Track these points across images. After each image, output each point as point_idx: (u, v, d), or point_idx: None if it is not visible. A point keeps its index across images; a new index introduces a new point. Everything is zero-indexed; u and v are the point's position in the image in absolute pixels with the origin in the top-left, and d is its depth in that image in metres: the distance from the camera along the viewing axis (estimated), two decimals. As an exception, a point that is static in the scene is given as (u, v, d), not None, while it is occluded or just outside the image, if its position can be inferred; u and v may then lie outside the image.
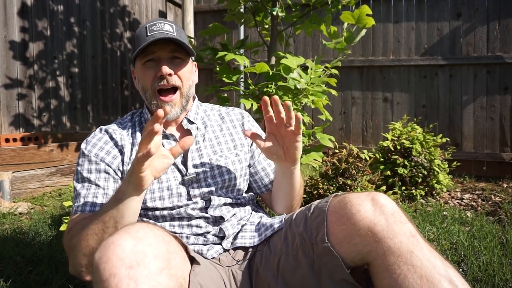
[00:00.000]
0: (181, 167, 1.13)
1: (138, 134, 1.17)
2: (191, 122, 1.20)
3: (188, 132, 1.19)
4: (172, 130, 1.20)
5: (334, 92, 2.50)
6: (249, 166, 1.26)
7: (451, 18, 3.84)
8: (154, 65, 1.11)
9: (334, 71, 2.45)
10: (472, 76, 3.81)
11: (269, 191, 1.29)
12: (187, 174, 1.12)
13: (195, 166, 1.14)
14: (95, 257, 0.73)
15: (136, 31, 1.17)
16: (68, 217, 1.86)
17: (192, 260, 0.87)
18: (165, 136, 1.16)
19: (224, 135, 1.23)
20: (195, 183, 1.12)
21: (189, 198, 1.11)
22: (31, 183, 3.00)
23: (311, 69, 2.28)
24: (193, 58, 1.21)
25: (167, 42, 1.10)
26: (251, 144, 1.26)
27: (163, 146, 1.15)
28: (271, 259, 1.02)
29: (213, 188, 1.13)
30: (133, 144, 1.15)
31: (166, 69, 1.09)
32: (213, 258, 1.06)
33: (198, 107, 1.26)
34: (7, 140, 2.83)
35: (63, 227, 1.82)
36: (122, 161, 1.12)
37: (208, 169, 1.14)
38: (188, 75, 1.16)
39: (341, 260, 0.89)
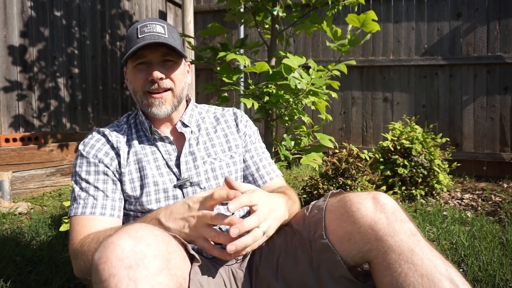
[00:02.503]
0: (175, 170, 1.12)
1: (134, 136, 1.17)
2: (185, 126, 1.19)
3: (181, 135, 1.19)
4: (167, 132, 1.19)
5: (334, 94, 2.50)
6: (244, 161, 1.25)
7: (451, 18, 3.84)
8: (145, 68, 1.10)
9: (336, 72, 2.44)
10: (472, 76, 3.80)
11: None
12: (181, 177, 1.12)
13: (189, 169, 1.13)
14: (94, 257, 0.73)
15: (127, 33, 1.15)
16: (67, 217, 1.86)
17: (192, 259, 0.87)
18: (161, 139, 1.16)
19: (219, 137, 1.22)
20: (189, 186, 1.12)
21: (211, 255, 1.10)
22: (31, 183, 3.00)
23: (313, 69, 2.28)
24: (186, 59, 1.20)
25: (158, 45, 1.08)
26: (246, 144, 1.26)
27: (158, 149, 1.15)
28: (271, 257, 1.02)
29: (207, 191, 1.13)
30: (129, 146, 1.14)
31: (157, 74, 1.08)
32: (212, 257, 1.06)
33: (193, 110, 1.25)
34: (7, 140, 2.83)
35: (63, 227, 1.82)
36: (119, 163, 1.12)
37: (202, 173, 1.13)
38: (180, 77, 1.15)
39: (340, 257, 0.89)
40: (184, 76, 1.17)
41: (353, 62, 2.54)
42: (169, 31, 1.12)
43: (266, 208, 0.90)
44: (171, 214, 0.91)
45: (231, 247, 0.82)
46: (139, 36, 1.08)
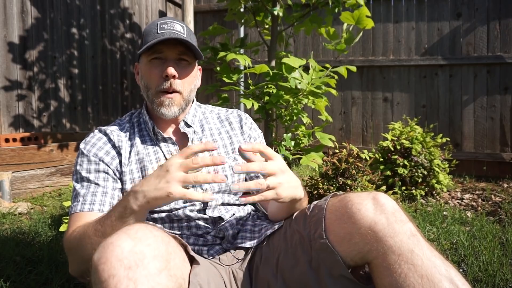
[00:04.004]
0: None
1: (136, 136, 1.17)
2: (188, 126, 1.19)
3: (185, 135, 1.18)
4: (170, 132, 1.19)
5: (334, 92, 2.50)
6: None
7: (451, 18, 3.84)
8: (160, 64, 1.10)
9: (340, 70, 2.44)
10: (472, 76, 3.80)
11: None
12: None
13: (191, 170, 1.13)
14: (93, 258, 0.73)
15: (145, 27, 1.16)
16: (68, 217, 1.86)
17: (192, 260, 0.86)
18: (164, 139, 1.16)
19: (223, 138, 1.22)
20: (191, 187, 1.11)
21: (186, 200, 1.11)
22: (31, 183, 2.99)
23: (314, 68, 2.28)
24: (201, 59, 1.20)
25: (176, 43, 1.09)
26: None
27: (161, 149, 1.15)
28: (271, 257, 1.02)
29: (209, 192, 1.13)
30: (131, 145, 1.14)
31: (172, 71, 1.08)
32: (213, 257, 1.06)
33: (197, 110, 1.25)
34: (7, 140, 2.83)
35: (63, 227, 1.82)
36: (120, 162, 1.12)
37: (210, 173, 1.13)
38: (191, 79, 1.15)
39: (340, 258, 0.89)
40: (195, 79, 1.18)
41: (354, 69, 2.50)
42: (188, 32, 1.13)
43: (277, 166, 0.88)
44: (144, 179, 0.89)
45: (234, 186, 0.81)
46: (159, 32, 1.09)
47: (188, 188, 1.09)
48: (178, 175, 0.84)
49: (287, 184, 0.90)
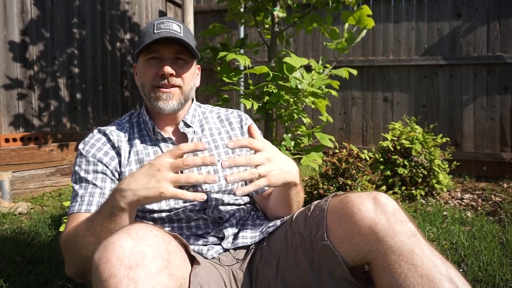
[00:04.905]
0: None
1: (136, 136, 1.16)
2: (187, 126, 1.19)
3: (184, 136, 1.18)
4: (169, 132, 1.19)
5: (334, 93, 2.50)
6: None
7: (451, 18, 3.84)
8: (156, 63, 1.11)
9: (341, 72, 2.43)
10: (472, 76, 3.80)
11: (263, 191, 1.24)
12: None
13: (191, 170, 1.12)
14: (94, 257, 0.73)
15: (142, 28, 1.17)
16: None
17: (193, 260, 0.87)
18: (163, 140, 1.16)
19: (222, 138, 1.22)
20: (191, 187, 1.11)
21: (186, 200, 1.11)
22: (31, 183, 2.99)
23: (314, 69, 2.28)
24: (198, 58, 1.20)
25: (173, 42, 1.09)
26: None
27: (161, 149, 1.15)
28: (271, 258, 1.02)
29: (209, 192, 1.13)
30: (130, 146, 1.14)
31: (168, 69, 1.08)
32: (213, 258, 1.06)
33: (196, 110, 1.25)
34: (7, 140, 2.83)
35: (63, 227, 1.82)
36: (119, 162, 1.12)
37: (204, 174, 1.13)
38: (190, 77, 1.15)
39: (341, 259, 0.89)
40: (193, 77, 1.18)
41: (355, 72, 2.46)
42: (185, 31, 1.13)
43: (263, 156, 0.93)
44: (131, 177, 0.88)
45: (229, 178, 0.85)
46: (155, 31, 1.09)
47: (184, 189, 1.10)
48: (170, 175, 0.85)
49: (277, 171, 0.94)
